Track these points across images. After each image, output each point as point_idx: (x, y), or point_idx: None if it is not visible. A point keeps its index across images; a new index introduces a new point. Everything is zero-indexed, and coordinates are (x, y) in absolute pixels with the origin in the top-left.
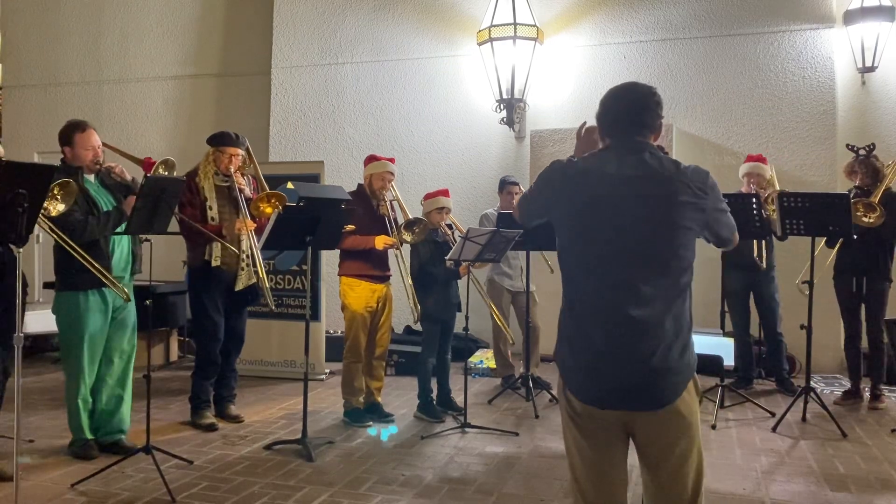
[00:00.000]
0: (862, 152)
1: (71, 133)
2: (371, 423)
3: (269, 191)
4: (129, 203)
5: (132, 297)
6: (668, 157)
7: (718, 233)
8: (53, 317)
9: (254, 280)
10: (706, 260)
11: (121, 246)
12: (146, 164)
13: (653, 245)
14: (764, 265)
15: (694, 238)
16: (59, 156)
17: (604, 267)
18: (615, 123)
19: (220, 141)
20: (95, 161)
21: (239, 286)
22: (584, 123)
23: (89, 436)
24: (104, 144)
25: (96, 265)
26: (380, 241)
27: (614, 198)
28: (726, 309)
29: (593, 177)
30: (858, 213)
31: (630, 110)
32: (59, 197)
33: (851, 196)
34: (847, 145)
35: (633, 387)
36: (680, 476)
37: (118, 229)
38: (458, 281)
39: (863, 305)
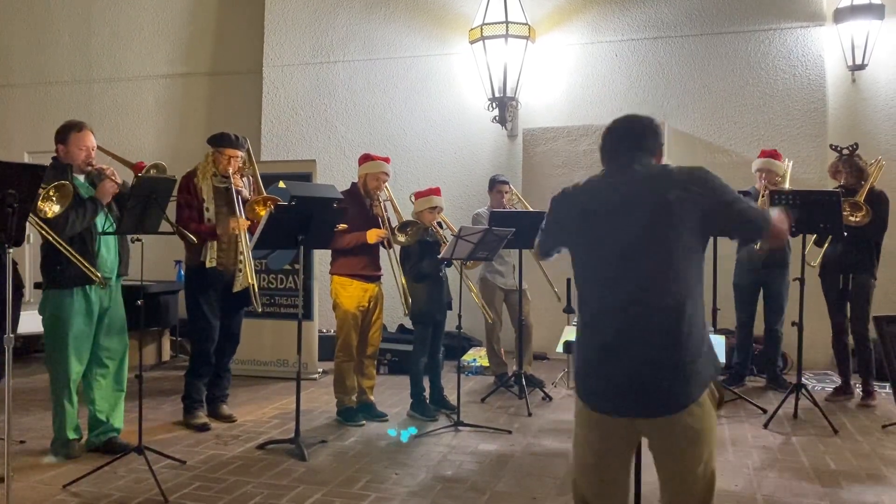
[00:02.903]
0: (845, 152)
1: (67, 131)
2: (364, 422)
3: (264, 194)
4: (100, 190)
5: (120, 297)
6: (653, 163)
7: (736, 225)
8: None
9: (248, 284)
10: None
11: (107, 246)
12: (137, 169)
13: (651, 248)
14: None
15: (698, 238)
16: (50, 155)
17: (608, 275)
18: (611, 150)
19: (219, 142)
20: (87, 162)
21: (237, 287)
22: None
23: (72, 436)
24: (98, 147)
25: (77, 255)
26: (372, 235)
27: (608, 207)
28: (718, 307)
29: (588, 193)
30: (845, 213)
31: (626, 136)
32: (54, 198)
33: None
34: (831, 145)
35: (642, 393)
36: (687, 483)
37: (109, 229)
38: (449, 280)
39: (848, 302)
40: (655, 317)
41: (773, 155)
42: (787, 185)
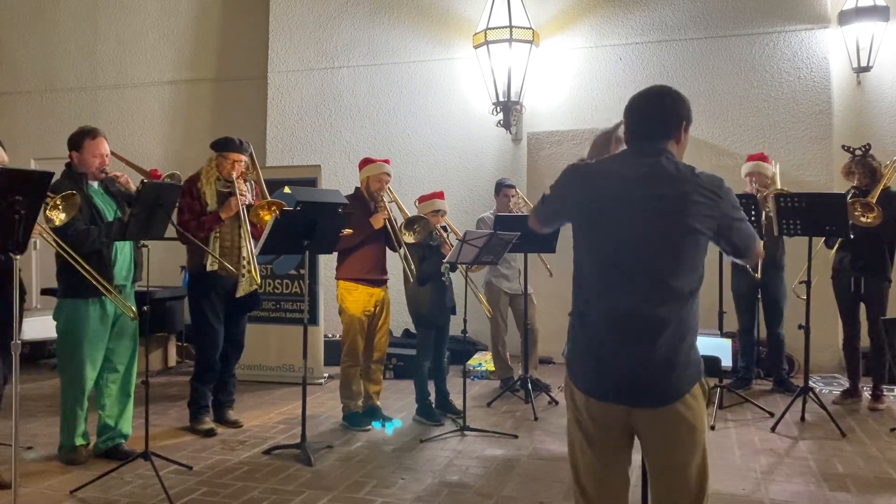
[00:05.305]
0: (858, 153)
1: (81, 138)
2: (371, 425)
3: (269, 199)
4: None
5: (135, 308)
6: (684, 163)
7: (733, 241)
8: (51, 323)
9: (254, 287)
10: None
11: (123, 253)
12: (151, 176)
13: (664, 244)
14: (758, 275)
15: (705, 242)
16: (56, 162)
17: (615, 264)
18: (634, 128)
19: (223, 146)
20: (101, 169)
21: (240, 293)
22: (619, 125)
23: (79, 442)
24: (112, 153)
25: (105, 284)
26: (377, 220)
27: (628, 197)
28: (724, 310)
29: (609, 177)
30: (856, 213)
31: (648, 115)
32: (60, 206)
33: (849, 196)
34: (843, 146)
35: (637, 381)
36: (681, 480)
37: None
38: (453, 284)
39: (862, 305)
40: (657, 310)
41: (762, 158)
42: (778, 186)
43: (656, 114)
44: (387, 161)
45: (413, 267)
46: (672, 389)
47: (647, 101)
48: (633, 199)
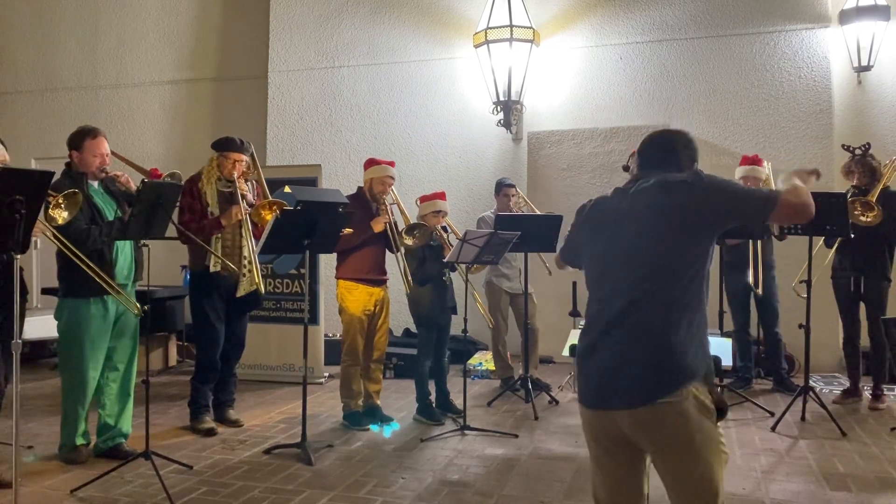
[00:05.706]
0: (858, 152)
1: (81, 138)
2: (369, 427)
3: (270, 198)
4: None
5: (138, 306)
6: (660, 175)
7: (734, 208)
8: (52, 323)
9: (255, 286)
10: None
11: (124, 253)
12: (152, 176)
13: (638, 254)
14: (760, 291)
15: (693, 241)
16: (56, 162)
17: (602, 278)
18: (642, 166)
19: (224, 146)
20: (101, 168)
21: (240, 292)
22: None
23: (80, 441)
24: (113, 153)
25: (109, 281)
26: (377, 224)
27: (609, 218)
28: (725, 309)
29: (601, 203)
30: (856, 213)
31: (657, 153)
32: (63, 205)
33: (849, 196)
34: (843, 146)
35: (607, 383)
36: (679, 495)
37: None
38: (454, 284)
39: (861, 305)
40: (632, 317)
41: (755, 161)
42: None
43: (665, 151)
44: (392, 163)
45: (409, 276)
46: (642, 391)
47: (656, 140)
48: (612, 220)
